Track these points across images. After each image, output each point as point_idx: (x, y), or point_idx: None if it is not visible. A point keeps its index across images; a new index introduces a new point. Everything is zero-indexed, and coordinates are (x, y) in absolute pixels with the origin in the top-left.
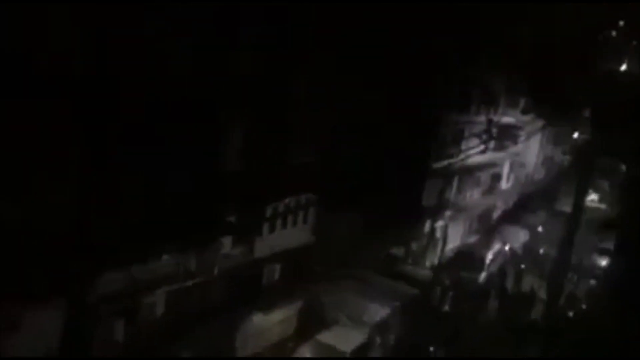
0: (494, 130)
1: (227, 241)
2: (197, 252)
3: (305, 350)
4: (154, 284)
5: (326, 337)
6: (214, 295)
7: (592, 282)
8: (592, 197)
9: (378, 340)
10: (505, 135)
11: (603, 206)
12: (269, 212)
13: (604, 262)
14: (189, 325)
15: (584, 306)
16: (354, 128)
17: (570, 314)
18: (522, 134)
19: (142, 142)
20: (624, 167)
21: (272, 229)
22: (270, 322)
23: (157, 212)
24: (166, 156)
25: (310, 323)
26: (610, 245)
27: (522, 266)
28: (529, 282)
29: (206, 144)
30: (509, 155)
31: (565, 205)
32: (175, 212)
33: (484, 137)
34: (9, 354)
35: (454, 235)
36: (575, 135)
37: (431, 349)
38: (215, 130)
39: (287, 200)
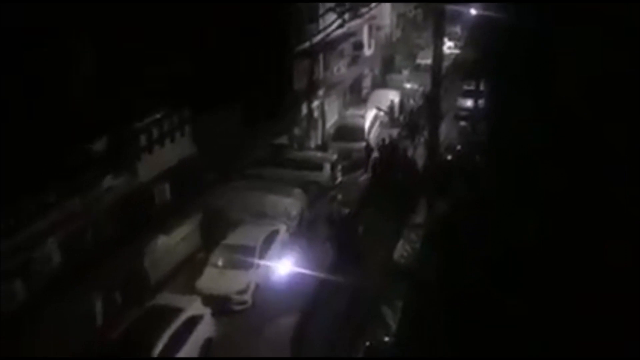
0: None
1: (107, 174)
2: (77, 193)
3: (217, 258)
4: (41, 235)
5: (232, 238)
6: (110, 229)
7: (462, 123)
8: (449, 44)
9: (285, 227)
10: (359, 2)
11: (458, 51)
12: (139, 132)
13: (469, 103)
14: (93, 264)
15: (458, 147)
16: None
17: (449, 157)
18: None
19: None
20: (473, 11)
21: (150, 149)
22: (174, 241)
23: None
24: None
25: (214, 231)
26: (472, 86)
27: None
28: (407, 137)
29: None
30: (365, 20)
31: (425, 58)
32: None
33: (338, 9)
34: None
35: (330, 111)
36: None
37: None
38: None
39: (156, 116)
